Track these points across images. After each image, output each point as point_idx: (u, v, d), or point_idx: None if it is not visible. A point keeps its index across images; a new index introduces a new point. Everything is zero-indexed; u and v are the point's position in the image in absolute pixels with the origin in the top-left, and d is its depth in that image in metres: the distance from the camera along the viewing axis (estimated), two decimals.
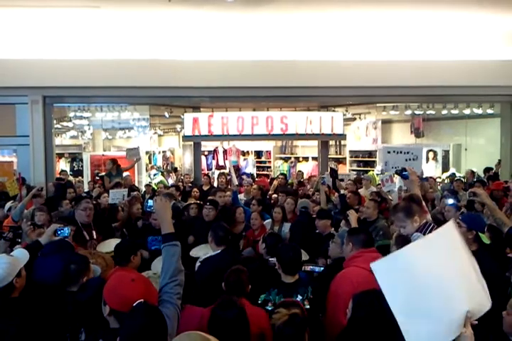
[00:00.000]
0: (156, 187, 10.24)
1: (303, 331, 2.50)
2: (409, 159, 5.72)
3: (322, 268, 4.24)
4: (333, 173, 9.35)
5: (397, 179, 7.12)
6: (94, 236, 5.12)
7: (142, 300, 2.29)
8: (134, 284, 2.42)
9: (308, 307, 3.28)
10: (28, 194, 6.66)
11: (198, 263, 4.24)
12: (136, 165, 11.58)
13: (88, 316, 2.66)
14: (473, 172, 10.33)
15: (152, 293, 2.52)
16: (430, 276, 1.92)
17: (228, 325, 2.61)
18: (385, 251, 3.92)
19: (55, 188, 8.34)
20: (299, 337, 2.49)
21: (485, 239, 3.90)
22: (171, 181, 12.47)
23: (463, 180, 9.98)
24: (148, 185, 10.10)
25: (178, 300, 2.60)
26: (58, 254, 3.52)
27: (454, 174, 11.33)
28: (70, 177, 11.54)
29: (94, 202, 6.45)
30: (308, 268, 4.26)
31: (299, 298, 3.36)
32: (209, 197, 7.36)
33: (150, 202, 3.64)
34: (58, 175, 10.88)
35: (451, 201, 5.61)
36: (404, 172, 3.95)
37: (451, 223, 2.13)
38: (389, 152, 5.98)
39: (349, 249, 3.60)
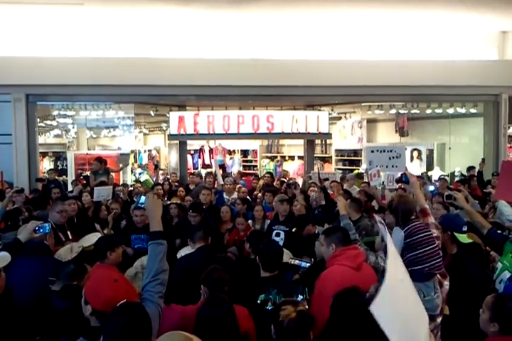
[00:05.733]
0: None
1: (310, 328, 2.50)
2: (393, 157, 5.74)
3: (308, 264, 4.24)
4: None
5: (383, 174, 7.20)
6: (70, 237, 5.04)
7: (125, 300, 2.28)
8: (117, 284, 2.40)
9: (306, 307, 3.27)
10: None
11: None
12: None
13: (67, 323, 2.64)
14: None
15: (133, 292, 2.51)
16: (408, 310, 2.00)
17: (217, 322, 2.58)
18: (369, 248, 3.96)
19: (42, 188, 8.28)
20: (307, 335, 2.49)
21: (463, 238, 3.92)
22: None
23: (447, 179, 10.07)
24: (138, 181, 10.03)
25: (159, 298, 2.59)
26: (36, 260, 3.46)
27: (428, 175, 11.38)
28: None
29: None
30: (295, 262, 4.26)
31: (300, 297, 3.33)
32: (187, 198, 7.31)
33: (142, 199, 3.60)
34: (42, 174, 10.73)
35: (431, 188, 5.59)
36: (403, 178, 3.96)
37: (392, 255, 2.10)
38: (372, 151, 6.01)
39: (331, 250, 3.51)
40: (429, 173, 12.17)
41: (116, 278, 2.45)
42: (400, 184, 5.30)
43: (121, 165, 10.48)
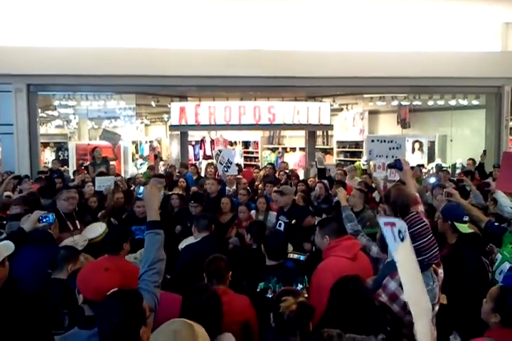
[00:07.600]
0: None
1: (310, 320, 2.52)
2: (393, 148, 5.74)
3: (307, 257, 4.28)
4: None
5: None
6: (78, 227, 5.06)
7: (116, 289, 2.25)
8: (108, 274, 2.38)
9: (306, 296, 3.30)
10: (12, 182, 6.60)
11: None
12: (122, 155, 11.49)
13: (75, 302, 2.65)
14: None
15: (131, 279, 2.49)
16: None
17: (201, 311, 2.59)
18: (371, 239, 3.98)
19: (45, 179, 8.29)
20: (306, 326, 2.51)
21: (463, 228, 3.93)
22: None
23: (449, 170, 10.07)
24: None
25: (155, 288, 2.58)
26: (41, 248, 3.48)
27: (440, 165, 11.41)
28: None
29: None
30: (294, 256, 4.30)
31: (299, 286, 3.36)
32: (193, 188, 7.32)
33: (141, 189, 3.65)
34: (43, 164, 10.74)
35: (433, 180, 5.57)
36: (397, 165, 3.87)
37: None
38: (373, 141, 6.01)
39: (326, 241, 3.57)
40: (431, 165, 12.17)
41: (108, 267, 2.42)
42: (392, 170, 5.24)
43: (110, 143, 9.66)
